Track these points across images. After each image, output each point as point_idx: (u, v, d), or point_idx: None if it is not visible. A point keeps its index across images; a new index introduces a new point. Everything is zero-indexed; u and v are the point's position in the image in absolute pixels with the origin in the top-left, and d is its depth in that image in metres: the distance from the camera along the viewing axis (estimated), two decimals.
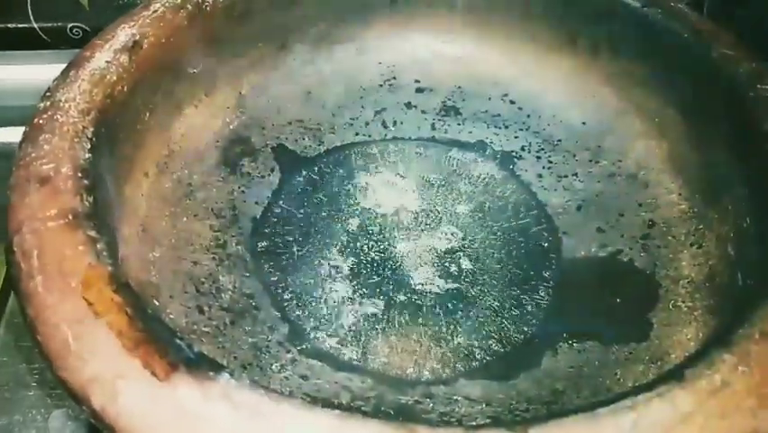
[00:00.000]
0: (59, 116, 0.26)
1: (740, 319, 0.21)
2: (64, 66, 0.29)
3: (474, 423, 0.24)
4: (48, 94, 0.27)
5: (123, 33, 0.29)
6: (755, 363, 0.20)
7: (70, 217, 0.22)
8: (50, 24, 0.50)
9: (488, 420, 0.25)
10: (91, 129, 0.25)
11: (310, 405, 0.18)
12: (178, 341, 0.19)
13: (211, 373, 0.18)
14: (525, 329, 0.30)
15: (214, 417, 0.18)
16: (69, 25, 0.50)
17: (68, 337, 0.19)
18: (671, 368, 0.21)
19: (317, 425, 0.18)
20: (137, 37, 0.29)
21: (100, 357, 0.19)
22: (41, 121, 0.26)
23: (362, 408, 0.26)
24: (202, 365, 0.19)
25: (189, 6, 0.32)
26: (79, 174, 0.23)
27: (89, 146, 0.25)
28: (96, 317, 0.19)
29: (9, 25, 0.49)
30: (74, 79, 0.27)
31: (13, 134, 0.43)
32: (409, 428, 0.18)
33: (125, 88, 0.28)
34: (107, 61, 0.28)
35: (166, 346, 0.19)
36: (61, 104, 0.26)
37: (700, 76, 0.33)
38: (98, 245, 0.21)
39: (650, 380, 0.20)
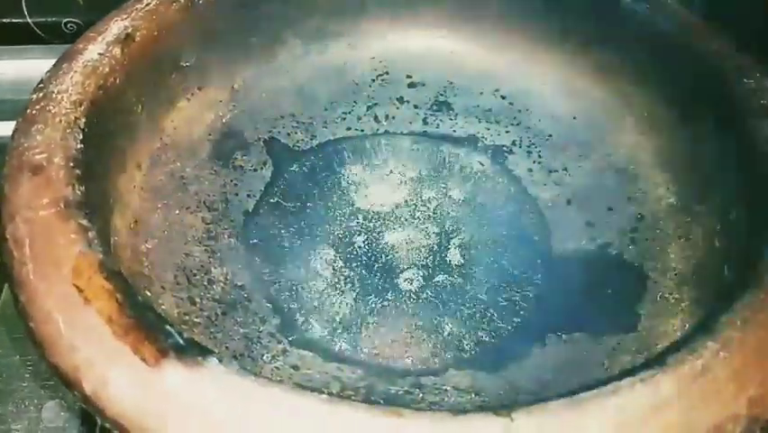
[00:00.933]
0: (51, 107, 0.26)
1: (723, 307, 0.22)
2: None
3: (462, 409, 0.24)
4: (41, 85, 0.27)
5: (116, 26, 0.30)
6: (737, 350, 0.20)
7: (62, 206, 0.22)
8: (44, 19, 0.50)
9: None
10: (83, 120, 0.26)
11: (299, 390, 0.18)
12: (167, 327, 0.19)
13: (200, 359, 0.19)
14: (515, 321, 0.31)
15: (204, 401, 0.18)
16: (64, 20, 0.50)
17: (60, 324, 0.19)
18: (654, 354, 0.21)
19: (306, 409, 0.18)
20: (129, 30, 0.30)
21: (91, 343, 0.19)
22: (33, 112, 0.26)
23: (352, 397, 0.26)
24: (191, 351, 0.19)
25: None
26: (71, 164, 0.24)
27: (81, 137, 0.25)
28: (87, 304, 0.20)
29: (4, 20, 0.49)
30: (66, 71, 0.27)
31: (7, 129, 0.44)
32: (397, 413, 0.18)
33: (118, 80, 0.28)
34: (100, 53, 0.28)
35: (155, 333, 0.19)
36: (54, 95, 0.26)
37: (688, 70, 0.33)
38: (89, 234, 0.22)
39: (632, 366, 0.20)
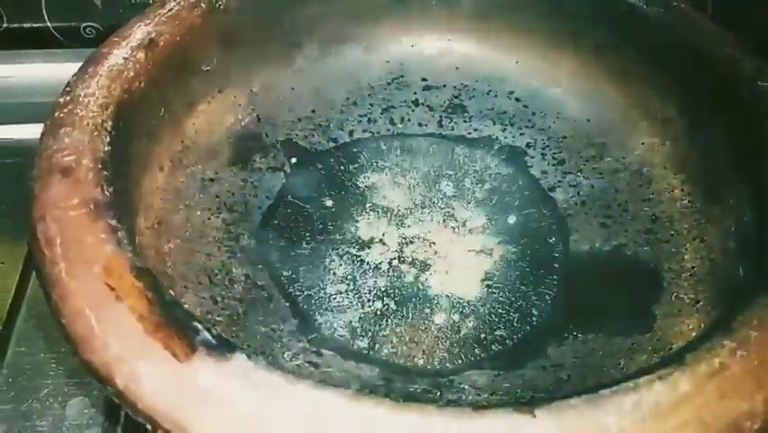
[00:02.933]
0: (78, 110, 0.26)
1: (740, 307, 0.22)
2: (77, 64, 0.30)
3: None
4: (67, 89, 0.28)
5: (140, 31, 0.30)
6: (753, 349, 0.20)
7: (92, 207, 0.23)
8: (64, 24, 0.50)
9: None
10: (110, 123, 0.26)
11: (324, 385, 0.19)
12: (196, 324, 0.20)
13: (228, 354, 0.19)
14: (532, 320, 0.31)
15: (233, 396, 0.18)
16: (83, 25, 0.51)
17: (92, 321, 0.20)
18: (672, 352, 0.21)
19: (331, 404, 0.18)
20: (153, 35, 0.30)
21: (123, 340, 0.20)
22: (61, 115, 0.26)
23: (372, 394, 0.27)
24: (220, 347, 0.19)
25: (203, 5, 0.33)
26: (99, 166, 0.24)
27: (108, 139, 0.26)
28: (118, 302, 0.20)
29: (24, 25, 0.50)
30: (92, 75, 0.28)
31: (28, 131, 0.44)
32: (420, 409, 0.19)
33: (142, 84, 0.29)
34: (125, 58, 0.29)
35: (185, 329, 0.20)
36: (81, 98, 0.27)
37: (702, 74, 0.33)
38: (119, 234, 0.22)
39: (651, 364, 0.21)
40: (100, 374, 0.19)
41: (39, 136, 0.27)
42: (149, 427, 0.19)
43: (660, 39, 0.35)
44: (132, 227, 0.27)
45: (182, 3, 0.32)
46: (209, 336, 0.20)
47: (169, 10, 0.32)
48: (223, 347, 0.19)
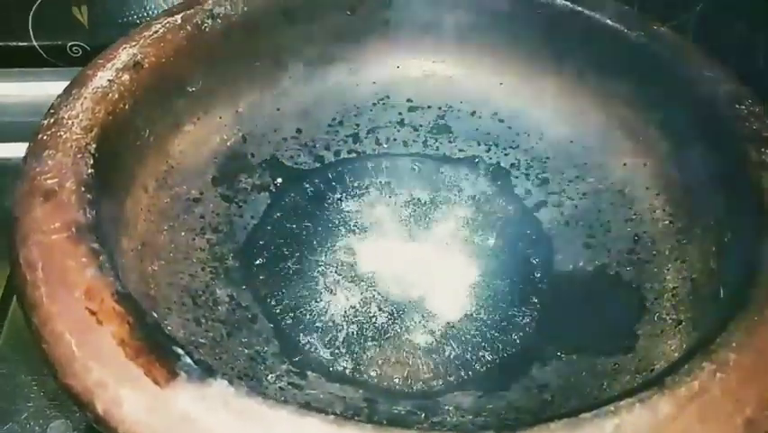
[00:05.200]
0: (62, 132, 0.26)
1: (719, 329, 0.22)
2: (63, 83, 0.30)
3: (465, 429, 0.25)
4: (51, 111, 0.28)
5: (125, 53, 0.30)
6: (733, 371, 0.21)
7: (74, 230, 0.23)
8: (49, 43, 0.51)
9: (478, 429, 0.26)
10: (94, 145, 0.26)
11: (306, 411, 0.19)
12: (177, 349, 0.20)
13: (210, 380, 0.19)
14: (515, 341, 0.31)
15: (214, 422, 0.18)
16: (69, 44, 0.51)
17: (72, 345, 0.20)
18: (652, 376, 0.22)
19: (313, 430, 0.18)
20: (138, 57, 0.30)
21: (103, 365, 0.19)
22: (44, 137, 0.26)
23: (357, 418, 0.26)
24: (201, 373, 0.19)
25: (189, 27, 0.33)
26: (83, 189, 0.24)
27: (92, 162, 0.26)
28: (99, 327, 0.20)
29: (10, 43, 0.50)
30: (77, 97, 0.28)
31: (13, 150, 0.44)
32: None
33: (127, 106, 0.29)
34: (109, 80, 0.29)
35: (166, 354, 0.20)
36: (65, 120, 0.27)
37: (682, 96, 0.34)
38: (101, 257, 0.22)
39: (631, 387, 0.21)
40: (80, 399, 0.19)
41: (23, 156, 0.27)
42: None
43: (641, 61, 0.35)
44: (115, 249, 0.27)
45: (167, 25, 0.32)
46: (190, 362, 0.19)
47: (155, 32, 0.32)
48: (204, 373, 0.19)
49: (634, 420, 0.19)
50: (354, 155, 0.39)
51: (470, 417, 0.28)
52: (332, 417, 0.19)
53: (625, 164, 0.37)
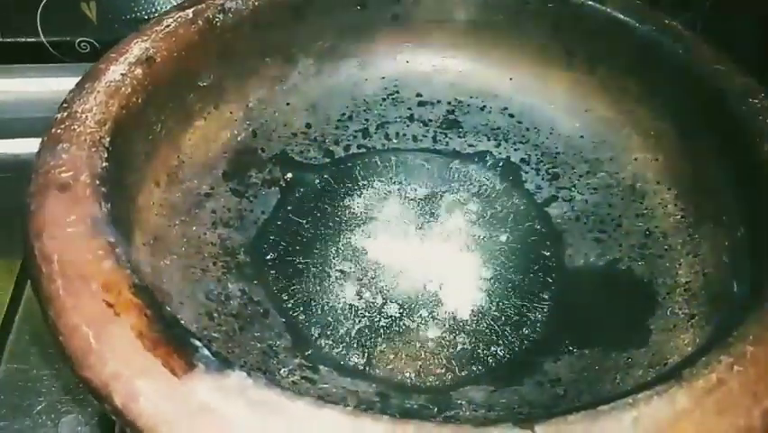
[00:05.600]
0: (76, 126, 0.26)
1: (736, 322, 0.22)
2: (72, 79, 0.30)
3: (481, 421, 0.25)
4: (65, 105, 0.28)
5: (137, 47, 0.30)
6: (750, 364, 0.21)
7: (89, 223, 0.23)
8: (58, 38, 0.51)
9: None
10: (108, 139, 0.26)
11: (324, 402, 0.19)
12: (195, 341, 0.20)
13: (228, 372, 0.19)
14: (527, 336, 0.31)
15: (232, 413, 0.18)
16: (77, 39, 0.51)
17: (90, 338, 0.20)
18: (669, 369, 0.21)
19: (331, 422, 0.18)
20: (150, 51, 0.30)
21: (121, 357, 0.19)
22: (58, 131, 0.26)
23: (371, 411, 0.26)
24: (219, 364, 0.19)
25: (200, 22, 0.33)
26: (98, 182, 0.24)
27: (106, 155, 0.26)
28: (117, 319, 0.20)
29: (19, 39, 0.50)
30: (90, 91, 0.28)
31: (22, 146, 0.44)
32: (417, 425, 0.19)
33: (139, 100, 0.29)
34: (122, 74, 0.29)
35: (184, 346, 0.20)
36: (78, 114, 0.27)
37: (694, 91, 0.34)
38: (117, 250, 0.22)
39: (648, 380, 0.21)
40: (98, 392, 0.19)
41: (33, 151, 0.27)
42: None
43: (652, 56, 0.35)
44: (127, 243, 0.27)
45: (179, 19, 0.32)
46: (208, 353, 0.20)
47: (167, 26, 0.32)
48: (222, 364, 0.19)
49: (652, 413, 0.19)
50: (364, 150, 0.39)
51: (483, 411, 0.28)
52: (350, 408, 0.19)
53: (636, 159, 0.37)
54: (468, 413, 0.28)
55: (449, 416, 0.28)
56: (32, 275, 0.22)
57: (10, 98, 0.48)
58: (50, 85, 0.49)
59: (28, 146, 0.43)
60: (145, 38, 0.31)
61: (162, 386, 0.19)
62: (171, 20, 0.32)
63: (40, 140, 0.27)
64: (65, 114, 0.27)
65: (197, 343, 0.20)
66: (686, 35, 0.35)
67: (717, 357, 0.21)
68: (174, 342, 0.20)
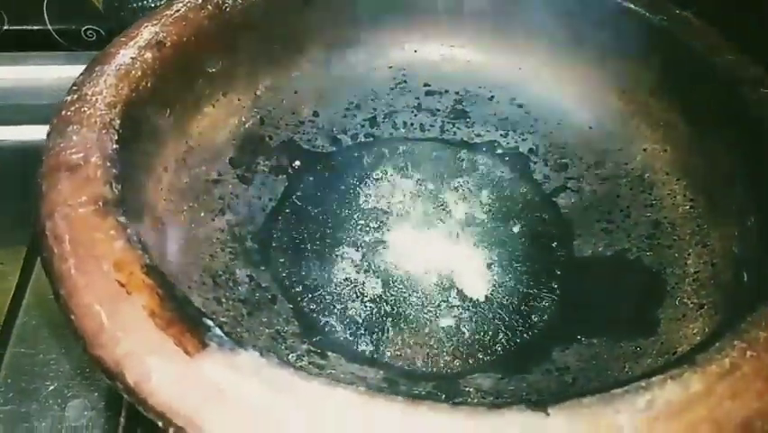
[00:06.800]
0: (86, 108, 0.26)
1: (748, 309, 0.22)
2: (78, 67, 0.30)
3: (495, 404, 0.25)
4: (74, 87, 0.28)
5: (147, 31, 0.30)
6: (763, 349, 0.21)
7: (100, 204, 0.23)
8: (64, 27, 0.51)
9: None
10: (118, 121, 0.26)
11: (337, 382, 0.19)
12: (207, 321, 0.20)
13: (240, 351, 0.19)
14: (536, 324, 0.31)
15: (246, 391, 0.18)
16: (84, 28, 0.51)
17: (102, 316, 0.20)
18: (682, 353, 0.21)
19: (345, 401, 0.18)
20: (160, 36, 0.30)
21: (133, 335, 0.19)
22: (68, 113, 0.26)
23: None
24: (231, 343, 0.19)
25: (210, 7, 0.33)
26: (108, 163, 0.24)
27: (116, 137, 0.26)
28: (129, 298, 0.20)
29: (25, 27, 0.50)
30: (100, 74, 0.28)
31: (29, 133, 0.44)
32: (431, 407, 0.19)
33: (149, 84, 0.29)
34: (132, 58, 0.29)
35: (197, 325, 0.20)
36: (88, 97, 0.27)
37: (704, 81, 0.34)
38: (128, 230, 0.22)
39: (662, 364, 0.21)
40: (110, 370, 0.19)
41: (39, 138, 0.27)
42: (160, 424, 0.18)
43: (663, 46, 0.35)
44: (136, 228, 0.27)
45: (189, 4, 0.32)
46: (221, 333, 0.19)
47: (176, 11, 0.32)
48: (234, 343, 0.19)
49: (665, 396, 0.19)
50: (371, 139, 0.39)
51: (492, 398, 0.28)
52: (363, 388, 0.19)
53: (645, 149, 0.37)
54: (476, 400, 0.28)
55: (456, 403, 0.27)
56: (44, 255, 0.22)
57: (17, 85, 0.48)
58: (57, 72, 0.49)
59: (33, 133, 0.43)
60: (155, 22, 0.31)
61: (175, 365, 0.19)
62: (181, 5, 0.32)
63: (45, 127, 0.27)
64: (75, 96, 0.27)
65: (210, 322, 0.20)
66: (697, 25, 0.35)
67: (730, 342, 0.21)
68: (186, 321, 0.20)
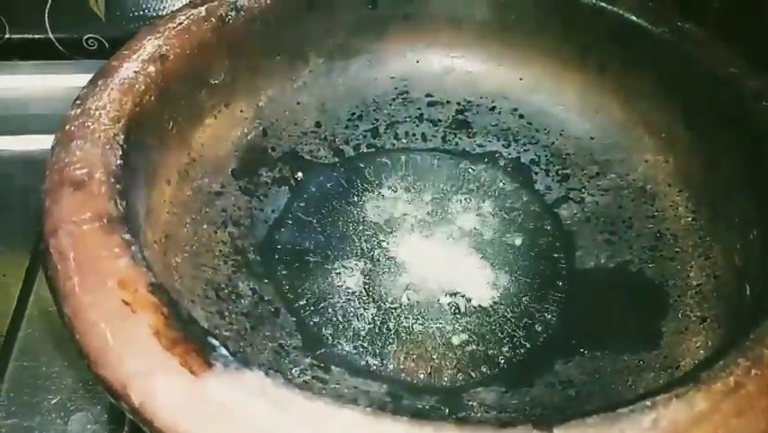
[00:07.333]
0: (90, 123, 0.26)
1: (752, 325, 0.22)
2: (80, 76, 0.30)
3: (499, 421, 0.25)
4: (78, 102, 0.28)
5: (150, 45, 0.30)
6: (767, 367, 0.21)
7: (105, 221, 0.23)
8: (66, 35, 0.50)
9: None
10: (122, 136, 0.26)
11: (344, 403, 0.19)
12: (212, 340, 0.20)
13: (245, 371, 0.19)
14: (538, 337, 0.31)
15: (250, 412, 0.18)
16: (85, 36, 0.51)
17: (107, 335, 0.20)
18: (687, 371, 0.21)
19: (351, 421, 0.18)
20: (164, 49, 0.30)
21: (138, 355, 0.19)
22: (72, 128, 0.26)
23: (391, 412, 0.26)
24: (237, 363, 0.19)
25: (213, 19, 0.33)
26: (112, 179, 0.24)
27: (120, 152, 0.26)
28: (134, 317, 0.20)
29: (26, 36, 0.50)
30: (104, 88, 0.28)
31: (30, 142, 0.44)
32: (437, 427, 0.19)
33: (153, 98, 0.29)
34: (135, 71, 0.29)
35: (202, 345, 0.20)
36: (92, 111, 0.27)
37: (706, 92, 0.34)
38: (133, 248, 0.22)
39: (666, 383, 0.21)
40: (115, 390, 0.19)
41: (40, 148, 0.27)
42: None
43: (665, 57, 0.35)
44: (139, 241, 0.27)
45: (192, 17, 0.32)
46: (226, 352, 0.19)
47: (179, 24, 0.32)
48: (240, 363, 0.19)
49: (671, 415, 0.19)
50: (373, 150, 0.39)
51: (495, 412, 0.28)
52: (369, 409, 0.19)
53: (647, 161, 0.37)
54: (480, 415, 0.28)
55: (460, 418, 0.28)
56: (48, 272, 0.22)
57: (18, 95, 0.48)
58: (58, 82, 0.48)
59: (36, 143, 0.43)
60: (158, 35, 0.31)
61: (180, 385, 0.19)
62: (184, 17, 0.32)
63: (48, 137, 0.27)
64: (78, 110, 0.27)
65: (215, 342, 0.20)
66: (699, 36, 0.35)
67: (734, 360, 0.21)
68: (192, 341, 0.20)
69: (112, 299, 0.21)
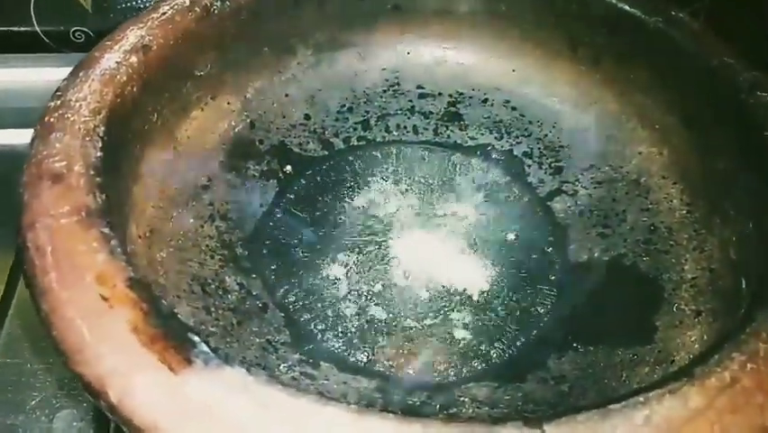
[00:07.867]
0: (69, 115, 0.26)
1: (747, 319, 0.22)
2: (66, 69, 0.29)
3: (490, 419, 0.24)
4: (58, 93, 0.27)
5: (133, 35, 0.30)
6: (763, 361, 0.20)
7: (83, 214, 0.22)
8: (52, 28, 0.50)
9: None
10: (102, 128, 0.25)
11: (327, 400, 0.18)
12: (193, 336, 0.19)
13: (226, 368, 0.19)
14: (531, 332, 0.31)
15: (231, 411, 0.18)
16: (72, 29, 0.50)
17: (84, 332, 0.19)
18: (681, 366, 0.21)
19: (336, 419, 0.18)
20: (147, 39, 0.30)
21: (116, 352, 0.19)
22: (51, 119, 0.26)
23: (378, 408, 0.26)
24: (217, 360, 0.19)
25: (198, 9, 0.32)
26: (92, 172, 0.24)
27: (101, 145, 0.25)
28: (112, 313, 0.20)
29: (12, 29, 0.49)
30: (84, 79, 0.27)
31: (15, 136, 0.44)
32: (425, 424, 0.18)
33: (135, 89, 0.28)
34: (117, 62, 0.28)
35: (182, 342, 0.19)
36: (72, 103, 0.26)
37: (701, 84, 0.33)
38: (112, 242, 0.22)
39: (660, 378, 0.20)
40: (92, 388, 0.19)
41: (26, 141, 0.26)
42: None
43: (659, 48, 0.35)
44: (123, 236, 0.26)
45: (176, 7, 0.32)
46: (206, 349, 0.19)
47: (163, 14, 0.31)
48: (220, 360, 0.19)
49: (664, 412, 0.19)
50: (364, 143, 0.38)
51: (486, 408, 0.27)
52: (354, 406, 0.18)
53: (641, 153, 0.36)
54: (471, 410, 0.27)
55: (451, 414, 0.27)
56: (25, 267, 0.22)
57: (3, 88, 0.47)
58: (44, 75, 0.48)
59: (21, 137, 0.42)
60: (141, 25, 0.30)
61: (159, 383, 0.18)
62: (168, 7, 0.31)
63: (32, 131, 0.26)
64: (58, 102, 0.26)
65: (195, 338, 0.19)
66: (694, 27, 0.35)
67: (729, 355, 0.20)
68: (171, 337, 0.19)
69: (89, 295, 0.20)
